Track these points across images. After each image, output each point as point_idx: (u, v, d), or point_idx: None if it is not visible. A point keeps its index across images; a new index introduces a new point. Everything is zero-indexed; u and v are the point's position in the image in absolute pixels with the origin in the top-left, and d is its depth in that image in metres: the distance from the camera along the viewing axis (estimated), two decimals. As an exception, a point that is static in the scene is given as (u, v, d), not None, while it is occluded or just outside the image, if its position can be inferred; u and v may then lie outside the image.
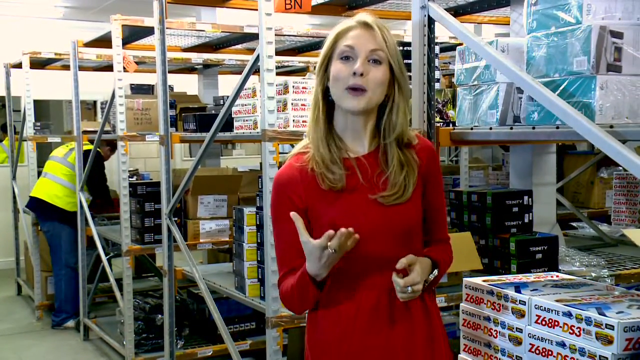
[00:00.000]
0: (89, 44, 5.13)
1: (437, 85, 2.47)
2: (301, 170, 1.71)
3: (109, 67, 5.78)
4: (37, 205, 5.65)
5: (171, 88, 5.33)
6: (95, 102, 7.10)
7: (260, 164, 3.51)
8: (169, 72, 3.86)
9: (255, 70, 2.92)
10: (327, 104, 1.72)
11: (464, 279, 2.02)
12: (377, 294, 1.70)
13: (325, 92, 1.71)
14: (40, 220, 5.75)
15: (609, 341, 1.60)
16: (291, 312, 1.81)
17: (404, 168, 1.68)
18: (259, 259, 3.17)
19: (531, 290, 1.91)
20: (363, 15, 1.69)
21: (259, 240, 3.15)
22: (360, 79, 1.62)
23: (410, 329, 1.73)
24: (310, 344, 1.80)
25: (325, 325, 1.74)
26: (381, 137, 1.70)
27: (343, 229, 1.53)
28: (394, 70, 1.67)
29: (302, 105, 3.00)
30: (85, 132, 5.39)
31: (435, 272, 1.74)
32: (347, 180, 1.68)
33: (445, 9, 2.18)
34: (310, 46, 5.27)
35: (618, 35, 1.80)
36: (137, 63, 4.67)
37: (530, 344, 1.83)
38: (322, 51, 1.70)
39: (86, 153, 5.28)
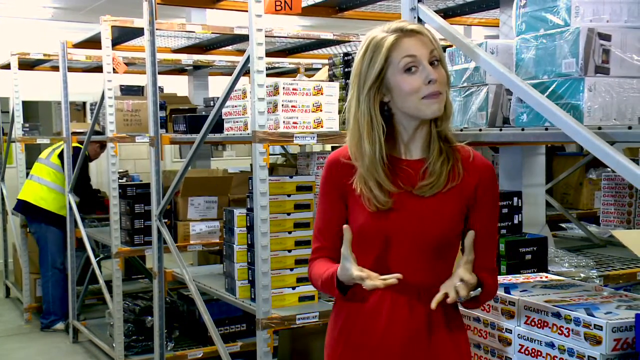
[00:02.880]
0: (78, 45, 5.11)
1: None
2: (349, 164, 1.73)
3: (98, 68, 5.75)
4: (24, 208, 5.67)
5: (161, 89, 5.31)
6: (84, 103, 7.07)
7: (251, 165, 3.50)
8: (159, 73, 3.85)
9: (245, 71, 2.92)
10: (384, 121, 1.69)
11: (454, 280, 2.02)
12: (407, 299, 1.69)
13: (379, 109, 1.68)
14: (28, 222, 5.75)
15: (597, 341, 1.61)
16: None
17: (441, 157, 1.68)
18: (249, 260, 3.16)
19: (520, 291, 1.92)
20: (400, 23, 1.67)
21: (249, 242, 3.15)
22: (435, 85, 1.63)
23: (418, 338, 1.69)
24: (330, 328, 1.82)
25: (346, 316, 1.76)
26: (437, 136, 1.69)
27: (379, 282, 1.57)
28: (442, 65, 1.69)
29: (292, 106, 3.00)
30: (74, 133, 5.37)
31: (479, 290, 1.68)
32: (389, 202, 1.68)
33: (434, 11, 2.18)
34: (300, 47, 5.27)
35: (606, 37, 1.82)
36: (126, 64, 4.65)
37: (519, 344, 1.84)
38: (372, 70, 1.64)
39: (75, 150, 5.27)
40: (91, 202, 5.65)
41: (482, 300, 1.75)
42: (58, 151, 5.55)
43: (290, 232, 3.05)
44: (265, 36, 2.83)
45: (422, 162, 1.71)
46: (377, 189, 1.66)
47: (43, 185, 5.56)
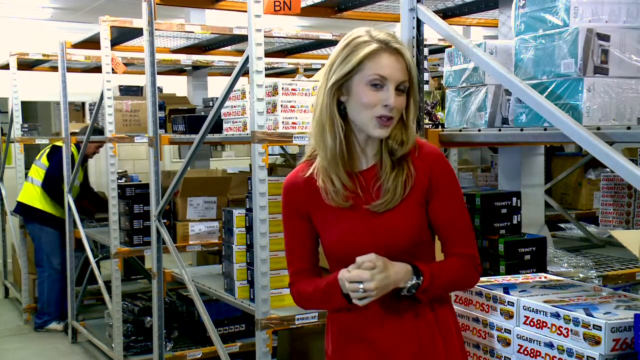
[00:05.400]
0: (77, 45, 5.10)
1: (426, 87, 2.48)
2: (306, 181, 1.74)
3: (97, 69, 5.76)
4: (20, 209, 5.73)
5: (160, 89, 5.32)
6: (83, 103, 7.07)
7: (250, 165, 3.50)
8: (158, 73, 3.85)
9: (244, 71, 2.92)
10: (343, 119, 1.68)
11: (453, 280, 2.02)
12: (394, 303, 1.69)
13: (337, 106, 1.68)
14: (25, 223, 5.79)
15: (596, 342, 1.61)
16: (302, 308, 1.85)
17: (393, 171, 1.68)
18: (248, 260, 3.16)
19: (520, 292, 1.92)
20: (387, 36, 1.65)
21: (248, 242, 3.15)
22: (391, 111, 1.63)
23: (399, 335, 1.70)
24: (326, 343, 1.83)
25: (337, 328, 1.78)
26: (387, 150, 1.68)
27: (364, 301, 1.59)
28: (411, 94, 1.68)
29: (291, 107, 3.00)
30: (73, 133, 5.37)
31: (414, 280, 1.63)
32: (350, 198, 1.69)
33: (434, 11, 2.18)
34: (299, 48, 5.27)
35: (605, 37, 1.82)
36: (125, 64, 4.65)
37: (518, 344, 1.84)
38: (342, 68, 1.63)
39: (58, 150, 5.30)
40: (91, 201, 5.68)
41: (437, 286, 1.67)
42: (47, 152, 5.59)
43: (289, 233, 3.05)
44: (265, 36, 2.83)
45: (373, 169, 1.71)
46: (338, 181, 1.67)
47: (36, 185, 5.60)
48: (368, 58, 1.62)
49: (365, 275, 1.57)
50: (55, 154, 5.49)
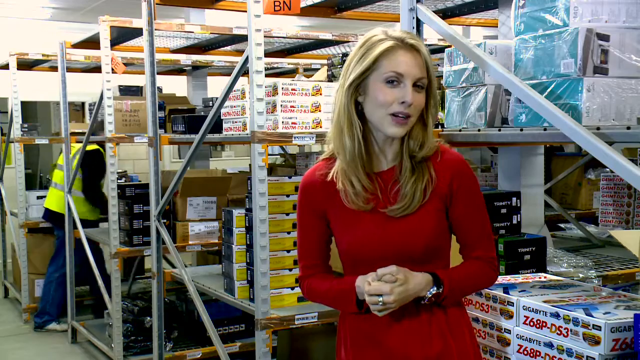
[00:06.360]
0: (77, 45, 5.10)
1: (425, 87, 2.47)
2: (323, 181, 1.73)
3: (97, 69, 5.76)
4: (50, 216, 5.64)
5: (160, 89, 5.32)
6: (83, 103, 7.07)
7: (250, 165, 3.50)
8: (158, 73, 3.85)
9: (244, 71, 2.92)
10: (361, 120, 1.67)
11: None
12: (405, 305, 1.67)
13: (355, 107, 1.67)
14: (55, 229, 5.69)
15: (596, 342, 1.61)
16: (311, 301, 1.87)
17: (413, 176, 1.66)
18: (248, 260, 3.16)
19: (519, 292, 1.92)
20: (402, 33, 1.65)
21: (248, 242, 3.15)
22: (408, 108, 1.62)
23: (409, 343, 1.69)
24: (338, 344, 1.82)
25: (350, 330, 1.78)
26: (408, 151, 1.67)
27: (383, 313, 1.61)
28: (430, 92, 1.67)
29: (291, 107, 3.00)
30: (73, 133, 5.37)
31: (434, 289, 1.64)
32: (370, 201, 1.68)
33: (433, 12, 2.19)
34: (299, 48, 5.27)
35: (604, 37, 1.82)
36: (125, 64, 4.65)
37: (518, 344, 1.84)
38: (358, 68, 1.63)
39: (91, 153, 5.25)
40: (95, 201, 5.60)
41: (457, 293, 1.69)
42: (78, 157, 5.48)
43: (289, 233, 3.05)
44: (264, 36, 2.83)
45: (392, 170, 1.70)
46: (357, 183, 1.67)
47: (60, 191, 5.49)
48: (383, 55, 1.61)
49: (385, 289, 1.58)
50: (87, 160, 5.29)
